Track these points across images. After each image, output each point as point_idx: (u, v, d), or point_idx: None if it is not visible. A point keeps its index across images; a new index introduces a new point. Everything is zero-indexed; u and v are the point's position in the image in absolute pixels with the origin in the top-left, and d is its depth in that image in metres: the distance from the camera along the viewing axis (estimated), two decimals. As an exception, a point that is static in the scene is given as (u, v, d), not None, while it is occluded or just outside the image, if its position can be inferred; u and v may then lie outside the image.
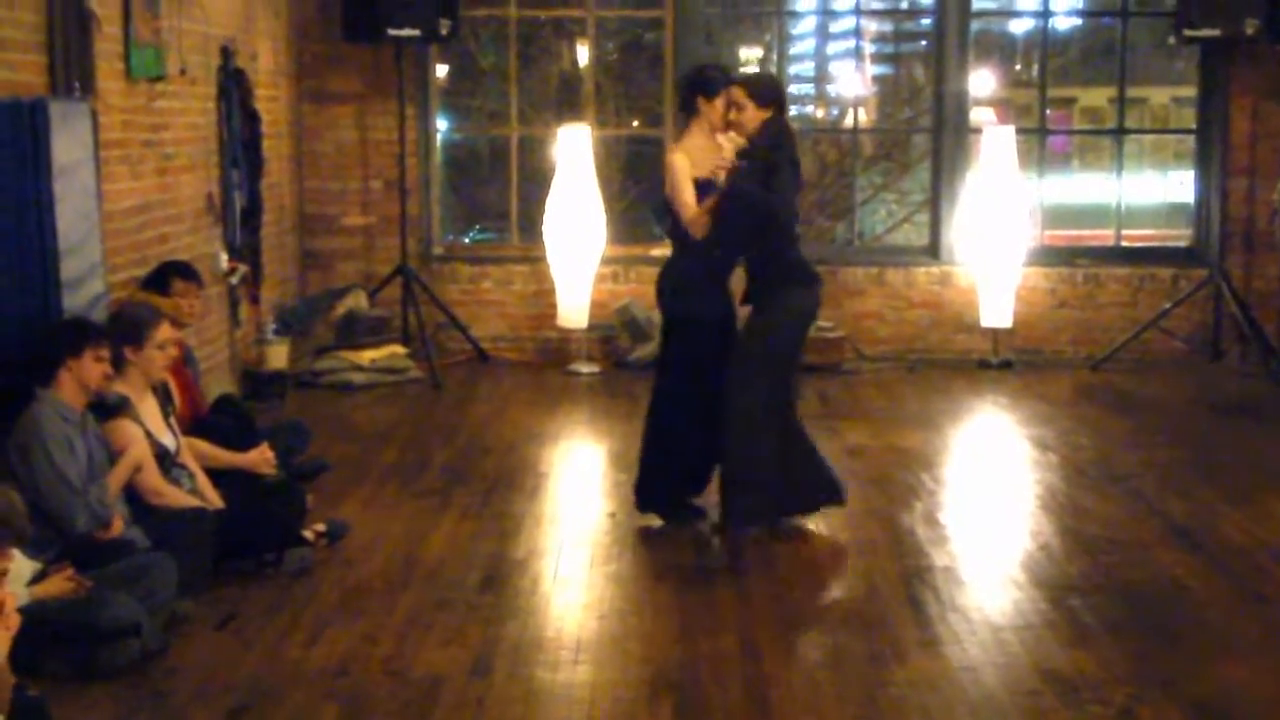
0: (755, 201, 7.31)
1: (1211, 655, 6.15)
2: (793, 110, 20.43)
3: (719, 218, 7.45)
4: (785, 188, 7.38)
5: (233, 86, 10.28)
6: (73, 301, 6.97)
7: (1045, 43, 13.43)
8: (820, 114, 22.81)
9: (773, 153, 7.38)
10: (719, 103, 7.56)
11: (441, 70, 14.07)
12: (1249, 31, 11.50)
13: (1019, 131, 12.62)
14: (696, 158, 7.57)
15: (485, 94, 17.18)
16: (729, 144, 7.57)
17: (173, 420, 7.35)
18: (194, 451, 7.44)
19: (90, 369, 6.54)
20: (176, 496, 6.96)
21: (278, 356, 10.85)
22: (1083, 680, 5.87)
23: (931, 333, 12.54)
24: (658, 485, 7.87)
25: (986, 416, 10.79)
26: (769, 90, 7.57)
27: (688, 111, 7.75)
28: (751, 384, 7.42)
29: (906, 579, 7.03)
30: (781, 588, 6.95)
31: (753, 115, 7.43)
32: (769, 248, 7.48)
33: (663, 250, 12.73)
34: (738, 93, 7.48)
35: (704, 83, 7.66)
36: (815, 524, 7.86)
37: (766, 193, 7.30)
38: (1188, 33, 11.73)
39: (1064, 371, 12.09)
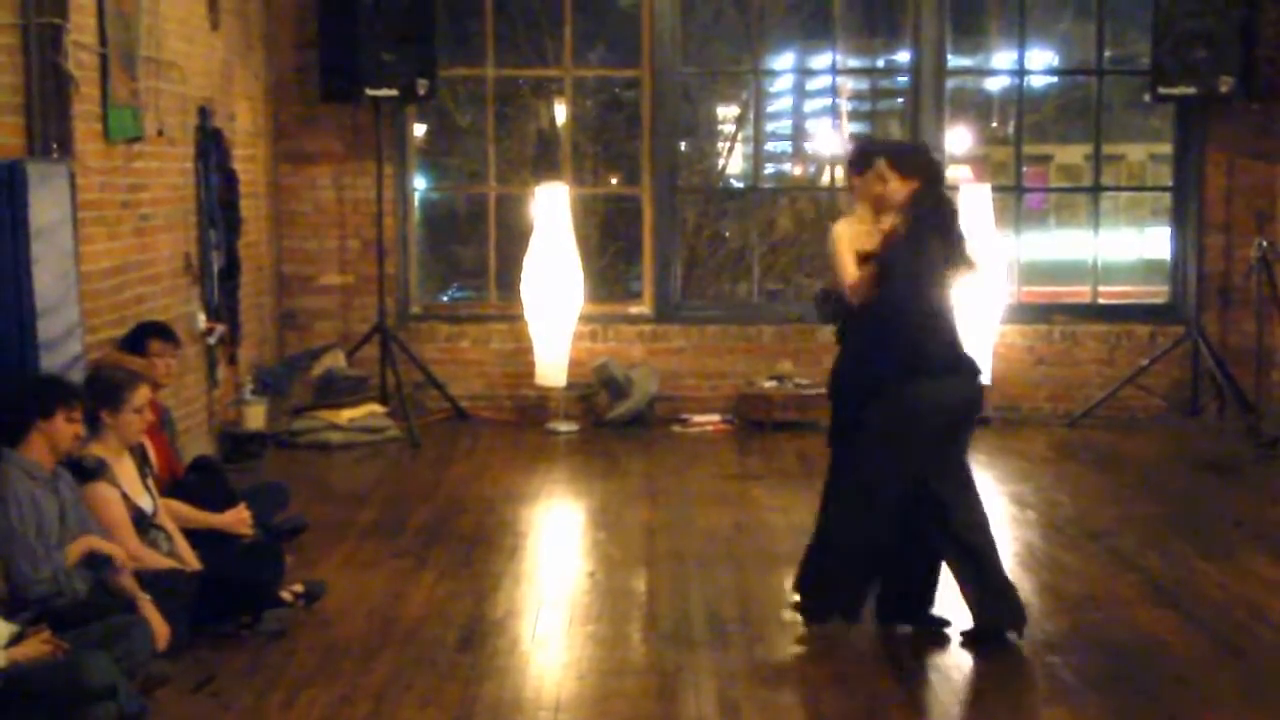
0: (901, 270, 6.85)
1: (1191, 711, 6.15)
2: (769, 168, 20.49)
3: (877, 284, 6.89)
4: (919, 266, 6.89)
5: (211, 147, 10.30)
6: (50, 362, 6.98)
7: (1021, 100, 13.50)
8: (798, 171, 22.89)
9: (915, 224, 6.91)
10: (871, 177, 7.02)
11: (419, 129, 14.11)
12: (1223, 89, 11.58)
13: (995, 189, 12.68)
14: (857, 234, 7.04)
15: (463, 153, 17.22)
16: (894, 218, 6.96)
17: (150, 482, 7.32)
18: (171, 513, 7.41)
19: (61, 430, 6.49)
20: (154, 559, 6.93)
21: (255, 416, 10.83)
22: (1063, 738, 5.87)
23: (910, 390, 12.52)
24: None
25: (965, 473, 10.77)
26: (913, 160, 7.07)
27: (850, 191, 7.31)
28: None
29: (886, 637, 7.01)
30: (760, 646, 6.94)
31: (898, 187, 6.93)
32: (899, 331, 7.00)
33: (640, 308, 12.84)
34: (881, 164, 6.99)
35: (853, 158, 7.24)
36: (794, 582, 7.86)
37: (915, 264, 6.90)
38: (1162, 91, 11.81)
39: (1042, 428, 12.11)
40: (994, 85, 19.87)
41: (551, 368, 12.11)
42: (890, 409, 6.88)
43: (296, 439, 11.33)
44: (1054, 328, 12.61)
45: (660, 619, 7.34)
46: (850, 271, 6.92)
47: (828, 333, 12.38)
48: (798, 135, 23.60)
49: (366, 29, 11.46)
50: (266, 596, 7.05)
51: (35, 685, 5.58)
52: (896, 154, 7.11)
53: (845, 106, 19.41)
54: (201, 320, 10.14)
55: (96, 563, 6.45)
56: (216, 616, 6.86)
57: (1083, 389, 12.46)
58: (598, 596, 7.70)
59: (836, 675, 6.56)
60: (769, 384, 12.15)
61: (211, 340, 10.29)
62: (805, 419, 11.90)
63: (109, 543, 6.58)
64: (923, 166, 7.04)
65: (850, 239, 7.01)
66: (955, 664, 6.67)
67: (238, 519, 7.79)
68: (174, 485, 7.91)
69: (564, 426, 12.04)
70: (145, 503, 7.17)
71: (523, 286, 12.22)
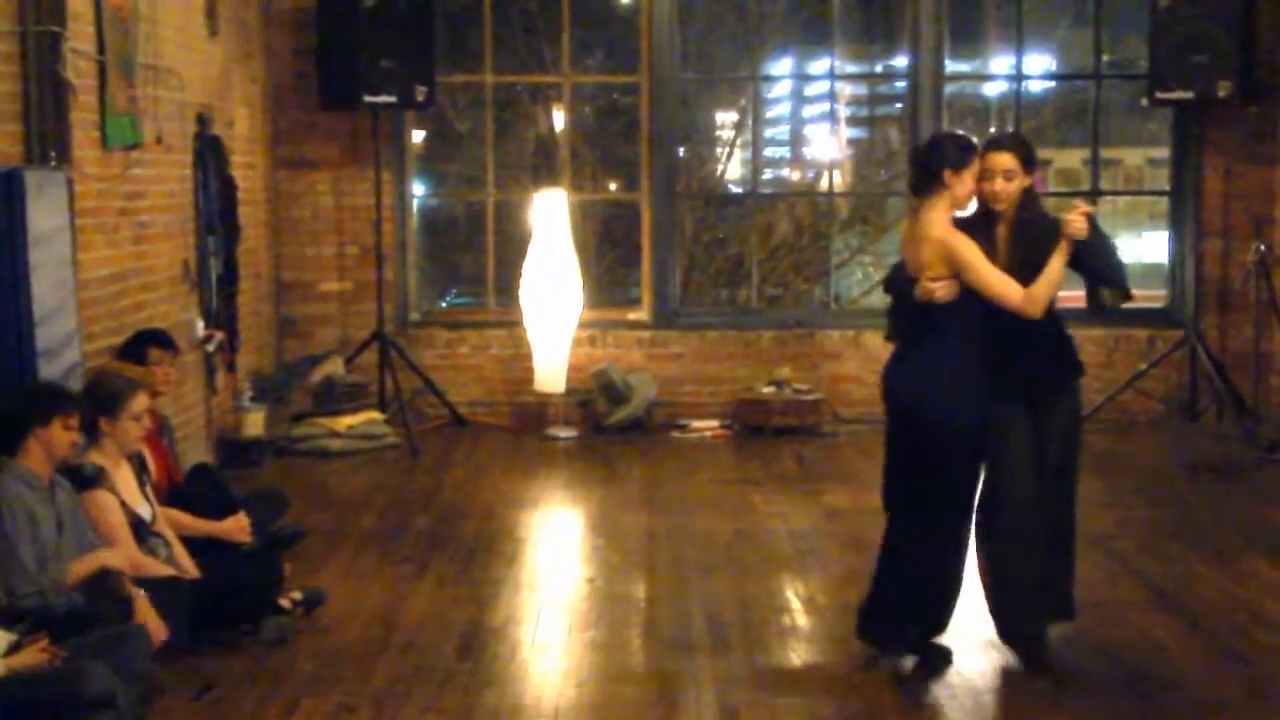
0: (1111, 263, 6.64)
1: (1192, 716, 6.14)
2: (767, 174, 20.48)
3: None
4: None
5: (209, 154, 10.29)
6: (49, 370, 6.97)
7: (1019, 105, 13.48)
8: (796, 177, 22.92)
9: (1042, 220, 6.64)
10: (968, 175, 6.51)
11: (418, 135, 14.10)
12: (1221, 94, 11.57)
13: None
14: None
15: (462, 159, 17.23)
16: (1079, 213, 6.46)
17: (148, 490, 7.31)
18: (170, 520, 7.40)
19: (58, 438, 6.47)
20: (152, 567, 6.92)
21: (254, 424, 10.81)
22: (1063, 744, 5.86)
23: (909, 395, 12.50)
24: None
25: (964, 478, 10.76)
26: (1033, 155, 6.65)
27: (925, 191, 6.56)
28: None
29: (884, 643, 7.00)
30: (760, 651, 6.93)
31: (1021, 184, 6.58)
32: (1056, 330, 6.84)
33: (639, 314, 12.83)
34: (1008, 160, 6.56)
35: (950, 153, 6.53)
36: (793, 587, 7.87)
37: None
38: (1160, 95, 11.81)
39: (1041, 433, 12.08)
40: (992, 90, 19.82)
41: (550, 374, 12.11)
42: (1073, 405, 7.07)
43: (295, 446, 11.32)
44: (1053, 332, 12.58)
45: (660, 625, 7.34)
46: (1007, 279, 6.48)
47: (826, 337, 12.49)
48: (796, 141, 23.62)
49: (365, 35, 11.46)
50: (266, 604, 7.06)
51: (34, 694, 5.57)
52: (1023, 148, 6.67)
53: (844, 112, 19.41)
54: (200, 327, 10.14)
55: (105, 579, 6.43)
56: (216, 624, 6.86)
57: (1081, 393, 12.41)
58: (597, 603, 7.70)
59: (836, 680, 6.56)
60: (768, 389, 12.15)
61: (210, 347, 10.29)
62: (804, 424, 11.91)
63: (109, 552, 6.55)
64: (1037, 160, 6.71)
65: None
66: (955, 668, 6.65)
67: (237, 526, 7.77)
68: (173, 493, 7.89)
69: (563, 432, 12.03)
70: (144, 510, 7.16)
71: (521, 293, 12.23)
